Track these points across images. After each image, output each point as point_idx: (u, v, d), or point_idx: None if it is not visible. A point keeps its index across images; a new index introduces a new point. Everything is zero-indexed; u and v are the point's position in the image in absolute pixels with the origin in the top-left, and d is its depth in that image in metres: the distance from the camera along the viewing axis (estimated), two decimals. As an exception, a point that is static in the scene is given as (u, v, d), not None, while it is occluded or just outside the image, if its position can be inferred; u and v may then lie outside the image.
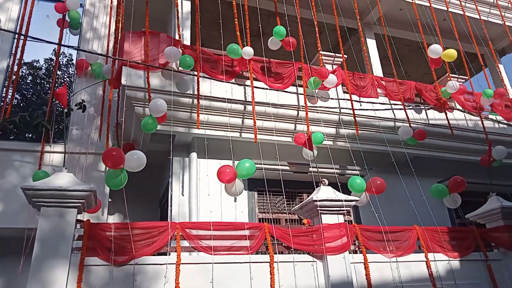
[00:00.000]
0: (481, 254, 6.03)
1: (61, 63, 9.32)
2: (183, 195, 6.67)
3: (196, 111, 6.50)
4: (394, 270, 5.41)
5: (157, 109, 5.74)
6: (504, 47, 11.46)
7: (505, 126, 9.02)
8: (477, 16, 9.99)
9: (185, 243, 4.87)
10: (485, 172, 7.84)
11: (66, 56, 9.58)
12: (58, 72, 8.45)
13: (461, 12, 9.72)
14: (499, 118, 9.10)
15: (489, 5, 10.48)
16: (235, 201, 6.87)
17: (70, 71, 9.87)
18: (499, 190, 7.58)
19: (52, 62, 8.71)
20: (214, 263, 4.69)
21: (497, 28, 10.61)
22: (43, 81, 8.79)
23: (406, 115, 7.77)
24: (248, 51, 6.66)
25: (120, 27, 6.73)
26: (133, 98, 6.34)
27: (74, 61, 8.61)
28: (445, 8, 9.61)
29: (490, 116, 9.06)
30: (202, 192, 6.63)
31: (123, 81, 6.25)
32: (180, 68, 6.54)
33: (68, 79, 9.09)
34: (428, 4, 9.37)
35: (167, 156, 6.33)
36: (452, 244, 5.99)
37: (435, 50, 7.92)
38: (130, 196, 6.99)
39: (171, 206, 6.44)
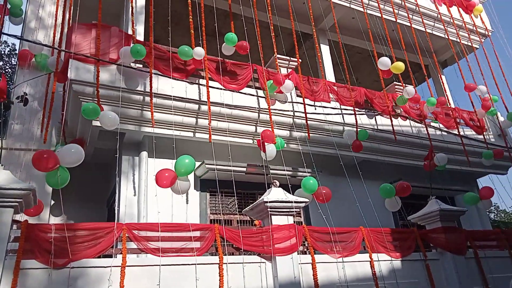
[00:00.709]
0: (421, 254, 6.37)
1: (2, 52, 8.72)
2: (134, 196, 6.47)
3: (147, 109, 6.33)
4: (340, 270, 5.57)
5: (108, 123, 5.57)
6: (447, 59, 12.25)
7: (445, 133, 9.61)
8: (423, 29, 10.59)
9: (133, 245, 4.72)
10: (426, 176, 8.30)
11: (9, 46, 8.97)
12: (-1, 62, 7.90)
13: (409, 24, 10.25)
14: (441, 125, 9.70)
15: (434, 19, 11.14)
16: (187, 202, 6.76)
17: (12, 61, 9.26)
18: (439, 193, 8.09)
19: (-9, 51, 8.14)
20: (162, 265, 4.58)
21: (441, 41, 11.32)
22: (-19, 71, 8.19)
23: (356, 120, 8.03)
24: (198, 52, 6.56)
25: (68, 17, 6.42)
26: (81, 93, 6.05)
27: (17, 51, 8.09)
28: (394, 19, 10.09)
29: (432, 124, 9.61)
30: (151, 192, 6.46)
31: (70, 75, 5.95)
32: (132, 64, 6.34)
33: (10, 70, 8.53)
34: (379, 15, 9.78)
35: (115, 155, 6.11)
36: (395, 244, 6.28)
37: (384, 62, 8.30)
38: (76, 196, 6.71)
39: (118, 206, 6.22)
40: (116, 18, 8.29)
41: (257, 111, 7.32)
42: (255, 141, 7.15)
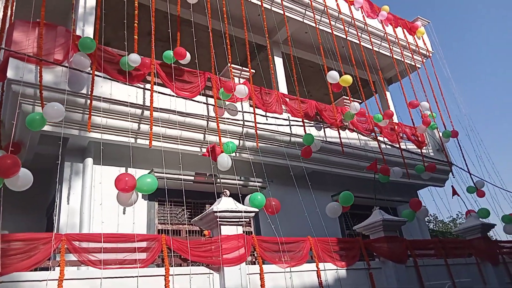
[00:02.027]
0: (365, 263, 6.58)
1: None
2: (76, 204, 6.13)
3: (93, 113, 6.07)
4: (288, 279, 5.61)
5: (53, 115, 5.25)
6: (392, 77, 12.96)
7: (389, 146, 10.09)
8: (371, 47, 11.13)
9: (73, 257, 4.45)
10: (371, 187, 8.64)
11: None
12: None
13: (358, 42, 10.72)
14: (385, 139, 10.17)
15: (381, 38, 11.76)
16: (131, 212, 6.51)
17: None
18: (382, 204, 8.43)
19: None
20: (103, 278, 4.35)
21: (387, 59, 11.96)
22: None
23: (305, 131, 8.19)
24: (134, 59, 6.35)
25: (10, 13, 6.03)
26: (21, 94, 5.68)
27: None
28: (344, 36, 10.51)
29: (379, 138, 10.06)
30: (96, 201, 6.17)
31: (9, 74, 5.58)
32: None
33: None
34: (330, 31, 10.15)
35: (57, 161, 5.77)
36: (341, 254, 6.44)
37: (333, 76, 8.57)
38: (11, 204, 6.19)
39: (58, 216, 5.87)
40: (64, 17, 7.92)
41: (206, 119, 7.26)
42: (203, 151, 7.07)
